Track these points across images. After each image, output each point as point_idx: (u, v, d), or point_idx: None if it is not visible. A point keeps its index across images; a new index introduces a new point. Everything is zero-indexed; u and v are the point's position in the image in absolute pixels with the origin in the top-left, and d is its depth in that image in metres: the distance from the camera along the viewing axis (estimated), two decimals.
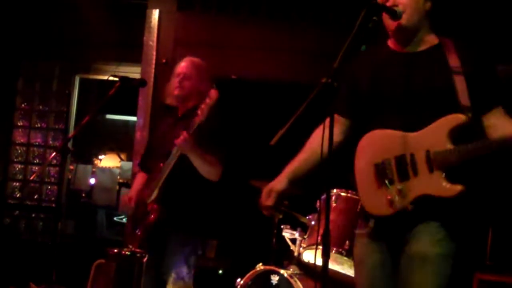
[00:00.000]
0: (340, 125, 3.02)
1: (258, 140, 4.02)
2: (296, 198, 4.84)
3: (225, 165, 4.01)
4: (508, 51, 5.14)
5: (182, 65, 4.16)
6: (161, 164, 3.93)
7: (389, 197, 2.76)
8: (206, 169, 3.90)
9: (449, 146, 2.65)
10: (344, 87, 2.94)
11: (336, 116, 2.95)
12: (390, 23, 2.84)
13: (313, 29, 5.86)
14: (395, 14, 2.80)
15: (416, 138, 2.74)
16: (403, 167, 2.75)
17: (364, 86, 2.93)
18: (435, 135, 2.69)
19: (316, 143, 2.97)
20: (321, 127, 2.76)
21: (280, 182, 3.12)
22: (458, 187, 2.62)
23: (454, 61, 2.75)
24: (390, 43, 2.96)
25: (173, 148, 3.84)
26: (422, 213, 2.72)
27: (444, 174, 2.65)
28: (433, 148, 2.68)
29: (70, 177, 8.03)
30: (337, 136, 2.92)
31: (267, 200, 3.08)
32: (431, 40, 2.88)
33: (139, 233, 3.96)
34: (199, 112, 3.68)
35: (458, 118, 2.66)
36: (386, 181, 2.79)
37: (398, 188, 2.76)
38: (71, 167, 8.41)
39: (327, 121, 2.48)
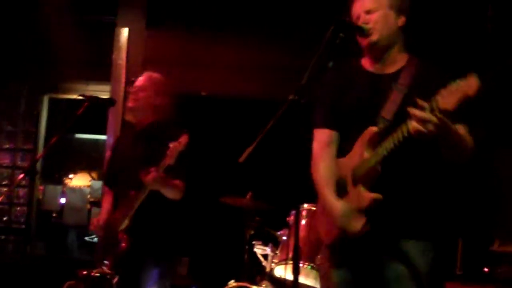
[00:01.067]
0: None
1: (228, 157, 4.03)
2: (267, 214, 4.86)
3: (197, 182, 4.01)
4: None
5: (139, 79, 4.16)
6: (132, 192, 3.91)
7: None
8: (172, 193, 3.91)
9: (366, 155, 2.67)
10: (322, 102, 2.97)
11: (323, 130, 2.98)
12: (362, 40, 2.84)
13: (282, 45, 5.91)
14: (362, 31, 2.81)
15: (348, 159, 2.79)
16: (339, 189, 2.80)
17: (335, 101, 2.92)
18: (358, 151, 2.73)
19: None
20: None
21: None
22: (371, 195, 2.61)
23: (404, 79, 2.74)
24: (364, 60, 2.94)
25: (140, 173, 3.81)
26: (392, 232, 2.72)
27: (364, 185, 2.65)
28: (356, 163, 2.71)
29: (40, 197, 7.94)
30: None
31: None
32: (401, 60, 2.85)
33: (108, 263, 3.92)
34: (168, 153, 3.67)
35: (371, 130, 2.67)
36: None
37: None
38: (41, 187, 8.33)
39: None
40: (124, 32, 5.93)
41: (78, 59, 6.58)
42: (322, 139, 2.94)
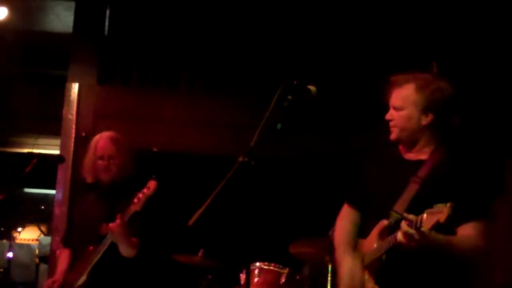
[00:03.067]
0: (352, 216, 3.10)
1: (179, 214, 4.00)
2: (219, 271, 4.81)
3: (150, 241, 3.96)
4: None
5: (103, 146, 4.06)
6: (91, 248, 3.83)
7: None
8: (127, 251, 3.84)
9: (375, 245, 2.73)
10: (360, 180, 3.07)
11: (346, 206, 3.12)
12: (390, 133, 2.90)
13: (232, 102, 5.94)
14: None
15: (362, 244, 2.87)
16: None
17: (370, 182, 2.99)
18: (370, 240, 2.79)
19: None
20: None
21: None
22: (369, 286, 2.69)
23: (422, 171, 2.77)
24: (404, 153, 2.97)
25: (101, 228, 3.77)
26: None
27: (369, 272, 2.71)
28: (367, 251, 2.79)
29: None
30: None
31: None
32: (426, 152, 2.85)
33: None
34: (135, 200, 3.65)
35: (382, 223, 2.72)
36: None
37: None
38: None
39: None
40: (75, 87, 5.87)
41: (28, 113, 6.52)
42: (344, 213, 3.12)
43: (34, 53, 6.76)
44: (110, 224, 3.68)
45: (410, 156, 2.89)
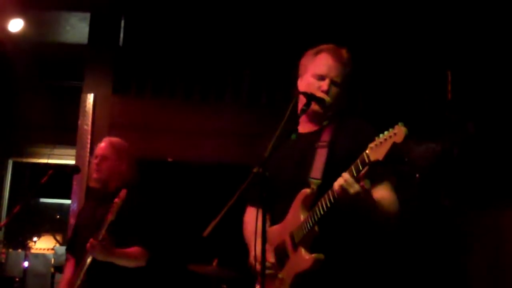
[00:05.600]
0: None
1: (194, 223, 4.01)
2: (234, 281, 4.81)
3: (161, 249, 3.96)
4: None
5: (101, 146, 4.13)
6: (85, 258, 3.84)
7: None
8: (131, 263, 3.84)
9: (302, 217, 2.67)
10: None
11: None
12: (315, 108, 2.84)
13: (246, 111, 5.96)
14: (323, 102, 2.85)
15: (284, 224, 2.78)
16: (279, 256, 2.78)
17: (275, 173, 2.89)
18: (293, 215, 2.72)
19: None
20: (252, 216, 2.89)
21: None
22: (313, 256, 2.60)
23: (324, 136, 2.80)
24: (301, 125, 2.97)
25: (94, 234, 3.77)
26: None
27: (305, 247, 2.64)
28: (293, 227, 2.70)
29: (2, 262, 7.80)
30: None
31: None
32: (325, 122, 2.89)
33: None
34: (110, 210, 3.65)
35: (304, 192, 2.69)
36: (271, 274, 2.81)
37: (280, 277, 2.77)
38: (3, 251, 8.19)
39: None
40: (90, 98, 5.92)
41: (44, 123, 6.55)
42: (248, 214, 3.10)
43: (49, 64, 6.81)
44: (88, 244, 3.67)
45: (309, 128, 2.90)
